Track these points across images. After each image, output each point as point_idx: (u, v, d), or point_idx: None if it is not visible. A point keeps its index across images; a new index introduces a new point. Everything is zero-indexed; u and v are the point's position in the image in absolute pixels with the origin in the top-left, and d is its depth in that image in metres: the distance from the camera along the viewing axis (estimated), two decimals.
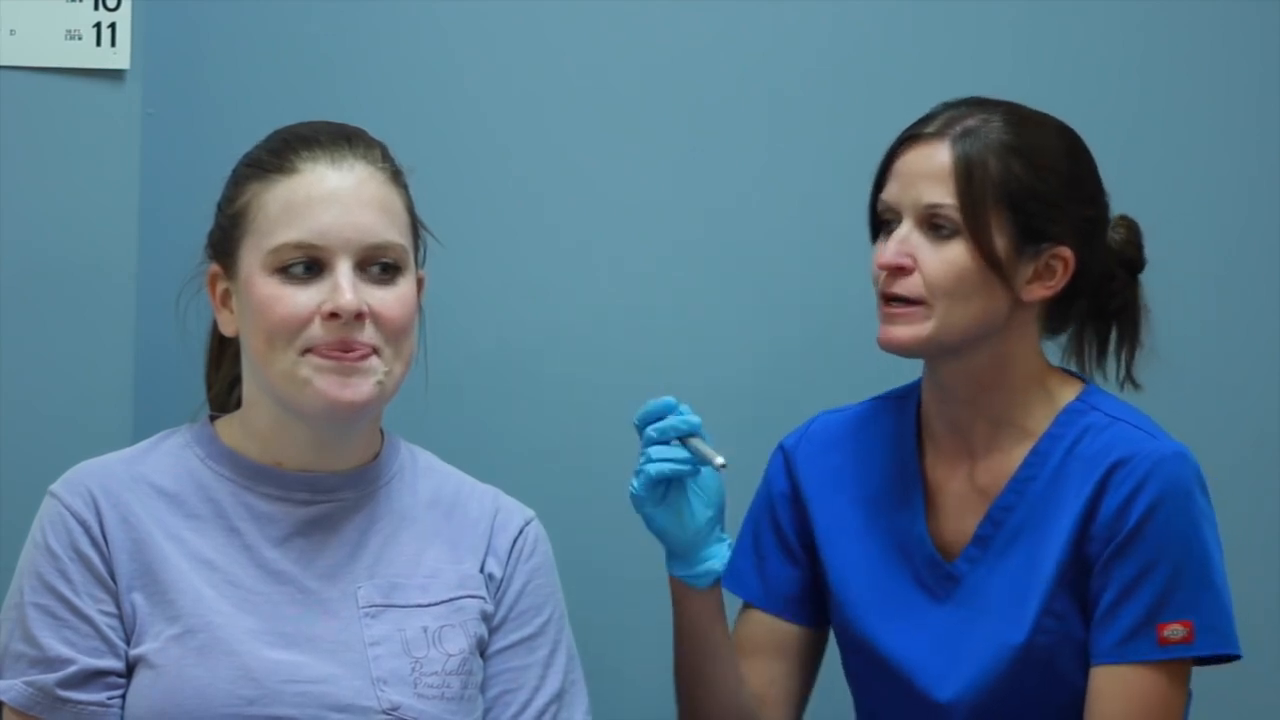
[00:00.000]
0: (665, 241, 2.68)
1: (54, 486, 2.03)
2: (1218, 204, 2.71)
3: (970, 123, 2.17)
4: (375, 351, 1.98)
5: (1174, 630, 2.13)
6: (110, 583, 1.98)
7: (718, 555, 2.19)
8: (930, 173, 2.16)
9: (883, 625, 2.23)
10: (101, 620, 1.97)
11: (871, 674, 2.25)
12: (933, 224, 2.16)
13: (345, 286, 1.97)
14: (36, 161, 2.43)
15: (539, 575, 2.10)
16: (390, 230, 2.01)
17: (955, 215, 2.14)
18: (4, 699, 1.97)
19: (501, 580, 2.08)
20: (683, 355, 2.67)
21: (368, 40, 2.65)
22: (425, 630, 2.02)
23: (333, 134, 2.04)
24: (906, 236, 2.17)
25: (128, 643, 1.98)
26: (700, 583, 2.20)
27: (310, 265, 1.98)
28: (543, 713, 2.06)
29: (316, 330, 1.97)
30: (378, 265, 2.00)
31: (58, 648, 1.96)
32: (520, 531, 2.11)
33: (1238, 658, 2.17)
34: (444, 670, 2.01)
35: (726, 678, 2.25)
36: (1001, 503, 2.20)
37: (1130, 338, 2.27)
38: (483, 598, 2.07)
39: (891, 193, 2.19)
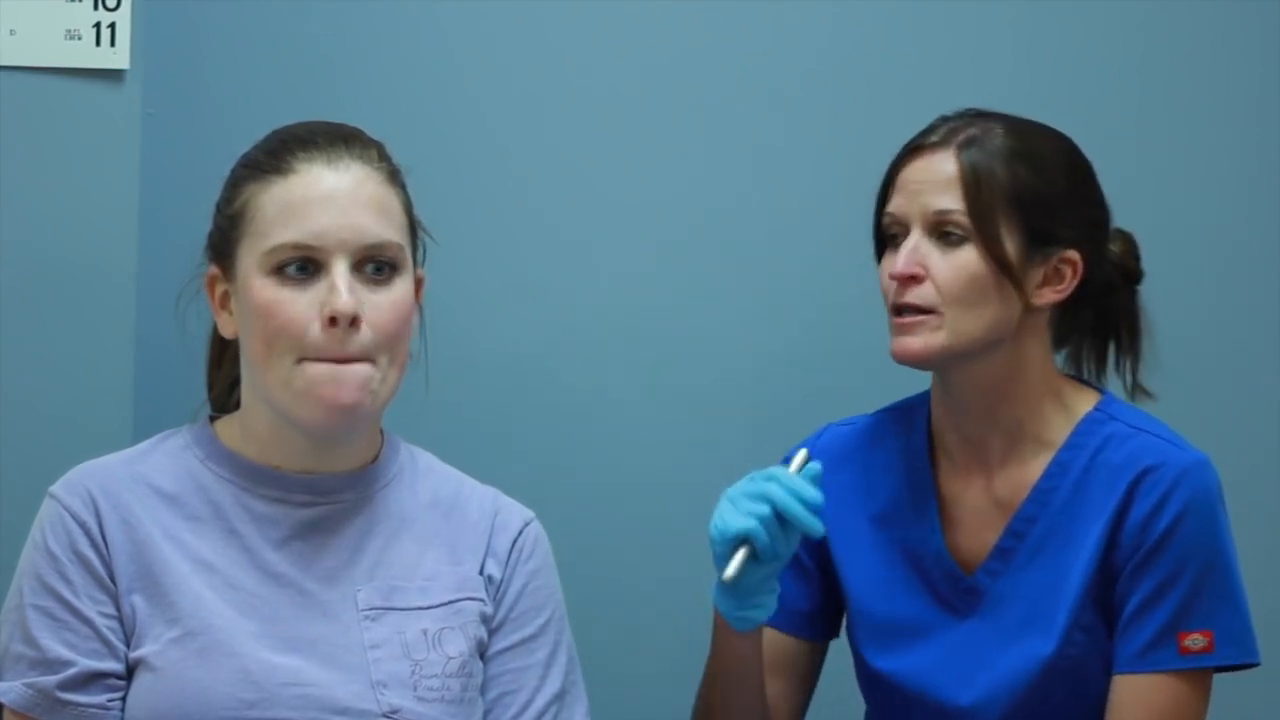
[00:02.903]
0: (665, 242, 2.68)
1: (54, 488, 2.03)
2: (1219, 207, 2.71)
3: (972, 131, 2.17)
4: (370, 358, 1.98)
5: (1195, 640, 2.13)
6: (110, 584, 1.98)
7: (765, 605, 2.14)
8: (937, 181, 2.16)
9: (901, 645, 2.22)
10: (101, 622, 1.97)
11: (888, 691, 2.24)
12: (942, 231, 2.15)
13: (342, 288, 1.96)
14: (36, 161, 2.43)
15: (538, 576, 2.10)
16: (387, 230, 2.01)
17: (964, 220, 2.14)
18: (4, 701, 1.97)
19: (501, 582, 2.08)
20: (683, 356, 2.67)
21: (368, 40, 2.65)
22: (425, 633, 2.02)
23: (330, 134, 2.04)
24: (916, 246, 2.16)
25: (127, 645, 1.98)
26: (739, 625, 2.16)
27: (307, 266, 1.98)
28: (543, 714, 2.06)
29: (314, 337, 1.97)
30: (374, 265, 2.00)
31: (58, 649, 1.96)
32: (520, 533, 2.10)
33: (1256, 665, 2.18)
34: (444, 673, 2.01)
35: (757, 711, 2.25)
36: (1023, 514, 2.19)
37: (1132, 349, 2.27)
38: (482, 600, 2.07)
39: (897, 205, 2.19)
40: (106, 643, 1.97)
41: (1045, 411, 2.20)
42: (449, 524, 2.09)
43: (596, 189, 2.67)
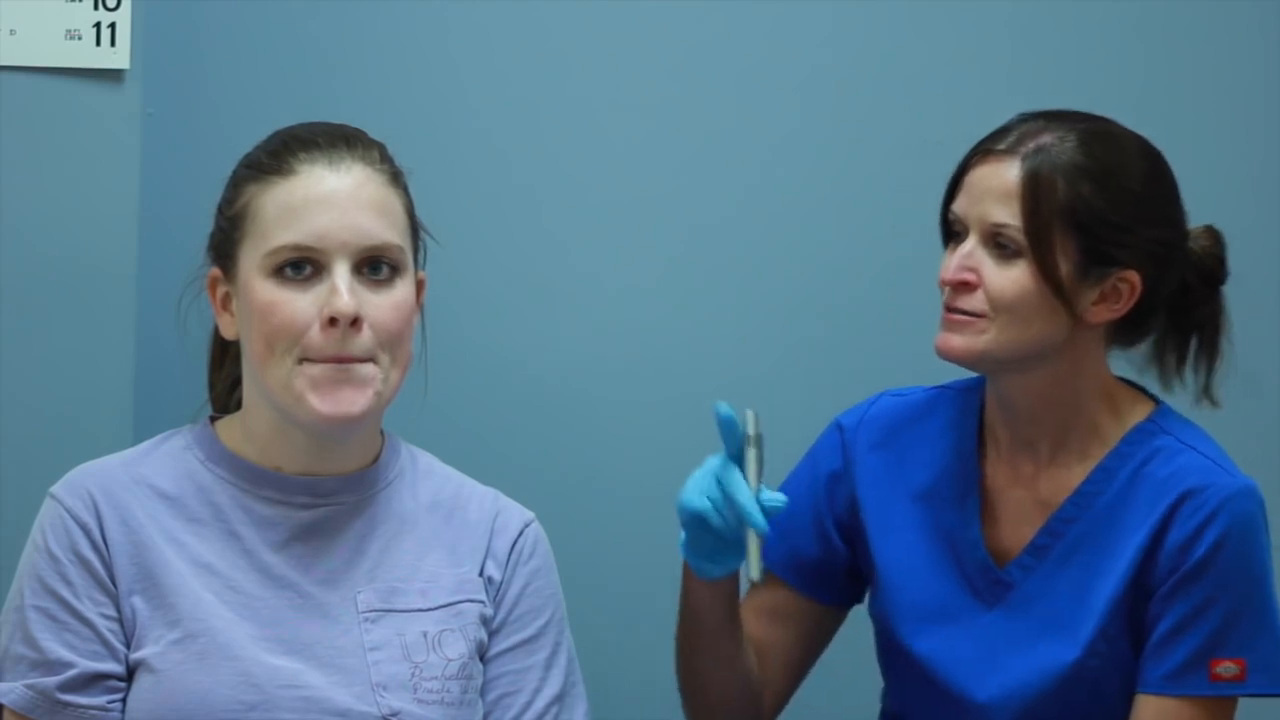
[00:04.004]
0: (665, 243, 2.68)
1: (54, 489, 2.03)
2: (1220, 207, 2.70)
3: (1044, 139, 2.13)
4: (372, 359, 1.98)
5: (1226, 668, 2.11)
6: (110, 586, 1.98)
7: (724, 565, 2.14)
8: (998, 190, 2.13)
9: (925, 625, 2.21)
10: (102, 624, 1.97)
11: (906, 671, 2.24)
12: (997, 242, 2.13)
13: (342, 289, 1.96)
14: (36, 161, 2.43)
15: (538, 577, 2.10)
16: (388, 231, 2.00)
17: (1019, 236, 2.11)
18: (4, 702, 1.97)
19: (501, 583, 2.08)
20: (683, 358, 2.68)
21: (368, 41, 2.65)
22: (425, 635, 2.02)
23: (331, 135, 2.03)
24: (971, 252, 2.14)
25: (128, 646, 1.98)
26: (699, 574, 2.17)
27: (308, 267, 1.98)
28: (543, 715, 2.06)
29: (314, 338, 1.97)
30: (375, 267, 1.99)
31: (58, 651, 1.96)
32: (520, 534, 2.10)
33: None
34: (444, 675, 2.01)
35: (734, 655, 2.24)
36: (1062, 514, 2.18)
37: (1208, 352, 2.23)
38: (482, 601, 2.06)
39: (961, 205, 2.16)
40: (107, 644, 1.97)
41: (1096, 418, 2.19)
42: (449, 526, 2.09)
43: (599, 191, 2.67)
